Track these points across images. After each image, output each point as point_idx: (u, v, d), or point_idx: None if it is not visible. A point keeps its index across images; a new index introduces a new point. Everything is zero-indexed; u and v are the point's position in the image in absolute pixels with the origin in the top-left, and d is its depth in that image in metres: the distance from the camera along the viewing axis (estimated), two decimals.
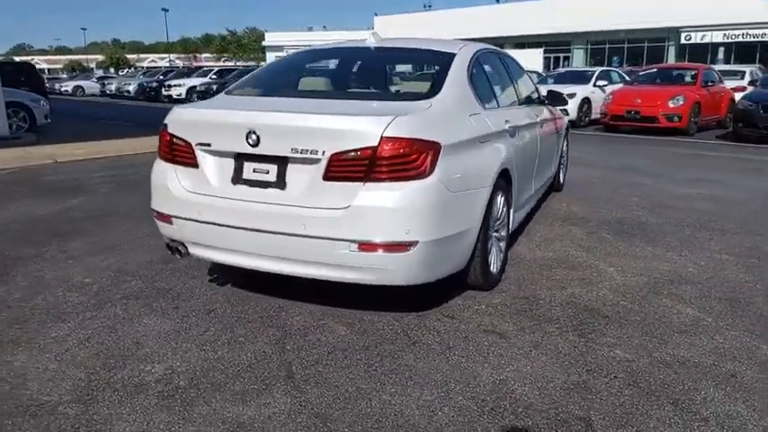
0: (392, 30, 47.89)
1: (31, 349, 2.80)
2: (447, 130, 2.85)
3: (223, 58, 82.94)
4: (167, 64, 76.87)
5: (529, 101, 4.64)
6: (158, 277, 3.75)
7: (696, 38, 33.43)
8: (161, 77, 29.59)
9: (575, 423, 2.21)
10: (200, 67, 35.57)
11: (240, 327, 3.03)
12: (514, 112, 4.00)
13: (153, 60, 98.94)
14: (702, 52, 33.18)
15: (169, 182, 3.07)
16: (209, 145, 2.91)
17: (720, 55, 32.75)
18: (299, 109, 2.85)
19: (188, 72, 30.16)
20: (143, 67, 69.20)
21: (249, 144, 2.78)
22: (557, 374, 2.55)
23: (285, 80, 3.64)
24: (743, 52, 31.80)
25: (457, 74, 3.28)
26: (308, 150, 2.67)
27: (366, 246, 2.65)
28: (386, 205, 2.61)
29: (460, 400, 2.37)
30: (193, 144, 2.96)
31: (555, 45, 39.63)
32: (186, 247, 3.14)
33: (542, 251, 4.24)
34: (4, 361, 2.70)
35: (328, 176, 2.67)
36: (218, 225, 2.91)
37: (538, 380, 2.51)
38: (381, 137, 2.58)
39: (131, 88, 29.46)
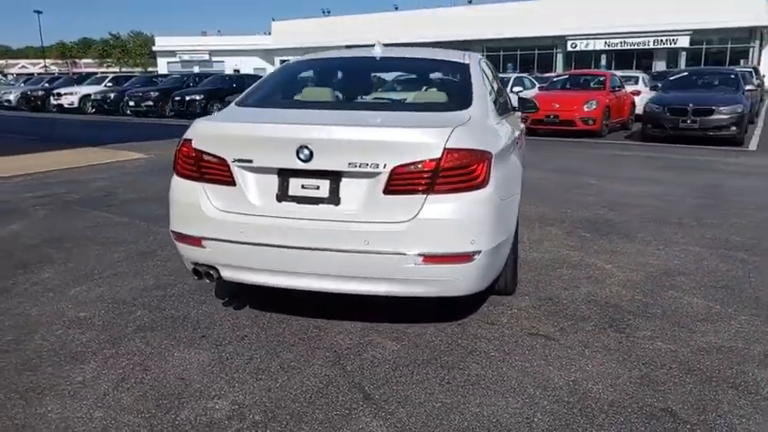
0: (289, 35, 47.48)
1: (60, 397, 2.49)
2: (491, 139, 2.90)
3: (106, 64, 77.99)
4: (41, 70, 70.72)
5: (510, 108, 4.81)
6: (164, 305, 3.46)
7: (581, 46, 36.27)
8: (47, 85, 27.16)
9: (661, 415, 2.33)
10: (89, 74, 33.12)
11: (285, 351, 2.89)
12: (511, 119, 4.14)
13: (23, 66, 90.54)
14: (587, 59, 36.06)
15: (199, 202, 2.86)
16: (250, 161, 2.75)
17: (603, 61, 35.76)
18: (351, 122, 2.77)
19: (78, 79, 27.95)
20: (13, 74, 63.11)
21: (300, 159, 2.66)
22: (619, 370, 2.68)
23: (316, 92, 3.49)
24: (621, 59, 34.94)
25: (478, 84, 3.35)
26: (367, 164, 2.61)
27: (432, 258, 2.63)
28: (451, 217, 2.62)
29: (546, 404, 2.42)
30: (230, 161, 2.78)
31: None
32: (218, 271, 2.93)
33: (537, 252, 4.41)
34: (35, 413, 2.38)
35: (389, 190, 2.62)
36: (263, 246, 2.75)
37: (606, 377, 2.62)
38: (444, 148, 2.58)
39: (12, 97, 26.75)
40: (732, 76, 11.84)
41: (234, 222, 2.79)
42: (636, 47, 34.68)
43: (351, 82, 3.82)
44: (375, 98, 3.60)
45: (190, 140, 2.91)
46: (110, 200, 6.38)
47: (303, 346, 2.94)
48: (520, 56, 39.79)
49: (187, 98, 19.45)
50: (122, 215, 5.64)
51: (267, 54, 51.67)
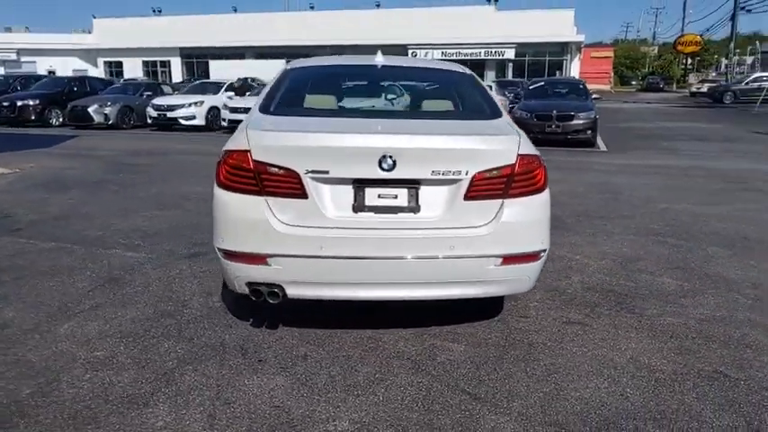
0: (115, 35, 43.65)
1: None
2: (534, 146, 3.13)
3: None
4: None
5: None
6: (188, 334, 3.16)
7: (420, 55, 38.45)
8: None
9: (717, 376, 2.76)
10: None
11: (359, 365, 2.84)
12: None
13: None
14: None
15: (266, 217, 2.68)
16: (326, 172, 2.66)
17: None
18: (435, 131, 2.81)
19: None
20: None
21: (383, 169, 2.65)
22: (658, 345, 3.08)
23: (340, 99, 3.39)
24: None
25: (492, 94, 3.58)
26: (450, 171, 2.68)
27: (511, 259, 2.79)
28: (528, 219, 2.80)
29: (627, 380, 2.72)
30: (302, 173, 2.66)
31: (297, 56, 41.18)
32: (284, 289, 2.77)
33: None
34: None
35: (470, 196, 2.73)
36: (342, 258, 2.68)
37: (654, 352, 3.00)
38: (518, 154, 2.76)
39: None
40: (581, 86, 13.65)
41: (308, 237, 2.68)
42: (469, 57, 37.77)
43: (380, 90, 3.77)
44: (414, 106, 3.63)
45: (246, 152, 2.71)
46: (12, 222, 5.46)
47: (373, 358, 2.91)
48: None
49: (19, 103, 17.03)
50: (44, 239, 4.89)
51: (89, 54, 46.89)
